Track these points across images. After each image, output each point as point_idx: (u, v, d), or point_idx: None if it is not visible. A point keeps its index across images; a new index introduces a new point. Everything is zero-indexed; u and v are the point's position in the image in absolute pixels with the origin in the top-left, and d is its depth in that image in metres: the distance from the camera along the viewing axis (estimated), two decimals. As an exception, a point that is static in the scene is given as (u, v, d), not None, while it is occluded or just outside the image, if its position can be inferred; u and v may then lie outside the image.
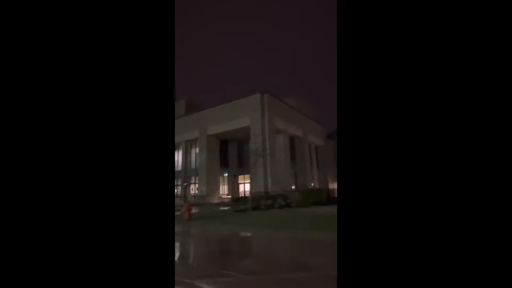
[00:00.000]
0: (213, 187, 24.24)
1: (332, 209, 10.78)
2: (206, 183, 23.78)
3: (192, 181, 26.04)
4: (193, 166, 26.26)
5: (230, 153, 27.30)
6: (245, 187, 25.27)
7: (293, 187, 22.82)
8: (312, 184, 26.35)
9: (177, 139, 26.45)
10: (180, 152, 27.21)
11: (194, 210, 13.47)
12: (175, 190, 27.16)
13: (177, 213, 11.61)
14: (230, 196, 24.10)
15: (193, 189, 25.89)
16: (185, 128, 26.18)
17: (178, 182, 26.77)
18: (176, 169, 27.63)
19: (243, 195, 24.48)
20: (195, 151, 26.42)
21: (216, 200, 23.66)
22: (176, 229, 5.23)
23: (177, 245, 6.15)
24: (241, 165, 26.39)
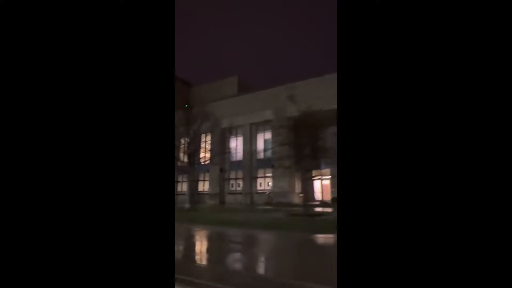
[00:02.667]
0: (293, 182, 19.15)
1: None
2: (288, 177, 18.62)
3: (260, 174, 20.83)
4: (259, 155, 21.00)
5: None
6: (322, 184, 20.25)
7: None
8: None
9: (237, 121, 21.25)
10: (240, 139, 22.00)
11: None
12: (237, 185, 21.87)
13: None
14: (303, 195, 19.11)
15: (262, 184, 20.72)
16: (246, 108, 20.99)
17: (238, 175, 21.55)
18: (234, 159, 22.49)
19: (320, 194, 19.59)
20: (263, 136, 21.25)
21: (296, 200, 18.62)
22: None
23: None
24: (316, 157, 21.39)
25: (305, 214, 10.73)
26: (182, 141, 27.17)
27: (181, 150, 27.25)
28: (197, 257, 5.07)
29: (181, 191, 25.51)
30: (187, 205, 14.20)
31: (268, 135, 20.96)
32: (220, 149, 22.83)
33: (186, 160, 26.07)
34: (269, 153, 20.65)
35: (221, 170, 21.88)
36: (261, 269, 4.46)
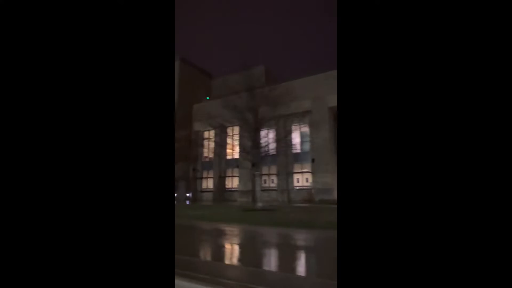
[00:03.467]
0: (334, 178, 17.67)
1: None
2: (331, 172, 17.16)
3: (297, 169, 19.35)
4: (295, 149, 19.50)
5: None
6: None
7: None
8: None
9: (270, 112, 19.74)
10: (272, 132, 20.47)
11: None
12: (270, 181, 20.41)
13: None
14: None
15: (299, 180, 19.25)
16: (277, 97, 19.45)
17: (271, 170, 20.08)
18: (266, 153, 20.99)
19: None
20: (299, 129, 19.76)
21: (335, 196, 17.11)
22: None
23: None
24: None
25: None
26: (206, 134, 25.85)
27: (205, 145, 25.92)
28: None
29: (206, 188, 24.09)
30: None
31: (305, 127, 19.48)
32: (251, 143, 21.40)
33: (211, 155, 24.72)
34: (306, 147, 19.20)
35: (253, 165, 20.41)
36: None
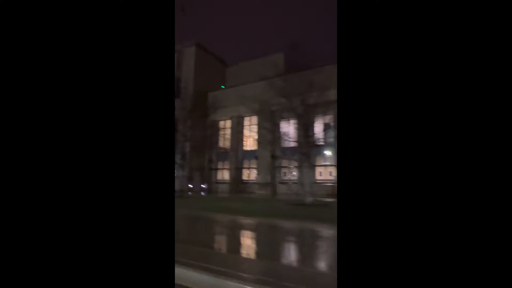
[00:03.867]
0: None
1: None
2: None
3: (319, 162, 18.51)
4: (318, 141, 18.59)
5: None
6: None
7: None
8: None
9: (290, 102, 18.82)
10: (294, 122, 19.55)
11: None
12: (290, 174, 19.65)
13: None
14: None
15: (322, 173, 18.47)
16: (301, 87, 18.49)
17: (292, 162, 19.25)
18: (286, 145, 20.19)
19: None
20: (323, 120, 18.81)
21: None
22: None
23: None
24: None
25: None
26: (222, 124, 24.95)
27: (220, 137, 25.06)
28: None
29: (221, 179, 23.37)
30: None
31: (329, 118, 18.53)
32: (270, 133, 20.53)
33: (227, 145, 23.91)
34: (330, 139, 18.31)
35: (273, 156, 19.60)
36: None
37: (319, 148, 17.27)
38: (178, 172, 21.99)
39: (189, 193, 18.94)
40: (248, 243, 4.82)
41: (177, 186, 20.92)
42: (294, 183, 18.91)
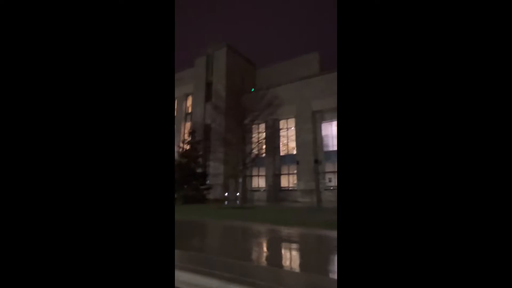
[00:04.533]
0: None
1: None
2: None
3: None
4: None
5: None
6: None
7: None
8: None
9: (331, 102, 17.48)
10: (332, 126, 18.17)
11: None
12: (336, 180, 18.00)
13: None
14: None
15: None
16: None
17: (327, 167, 17.74)
18: (329, 149, 18.72)
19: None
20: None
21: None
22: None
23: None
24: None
25: None
26: (255, 128, 23.72)
27: (253, 140, 23.81)
28: None
29: (257, 187, 21.99)
30: None
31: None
32: (311, 137, 19.02)
33: (259, 151, 22.60)
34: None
35: (316, 161, 18.08)
36: None
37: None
38: (212, 181, 20.79)
39: (225, 202, 17.67)
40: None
41: (214, 195, 19.74)
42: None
